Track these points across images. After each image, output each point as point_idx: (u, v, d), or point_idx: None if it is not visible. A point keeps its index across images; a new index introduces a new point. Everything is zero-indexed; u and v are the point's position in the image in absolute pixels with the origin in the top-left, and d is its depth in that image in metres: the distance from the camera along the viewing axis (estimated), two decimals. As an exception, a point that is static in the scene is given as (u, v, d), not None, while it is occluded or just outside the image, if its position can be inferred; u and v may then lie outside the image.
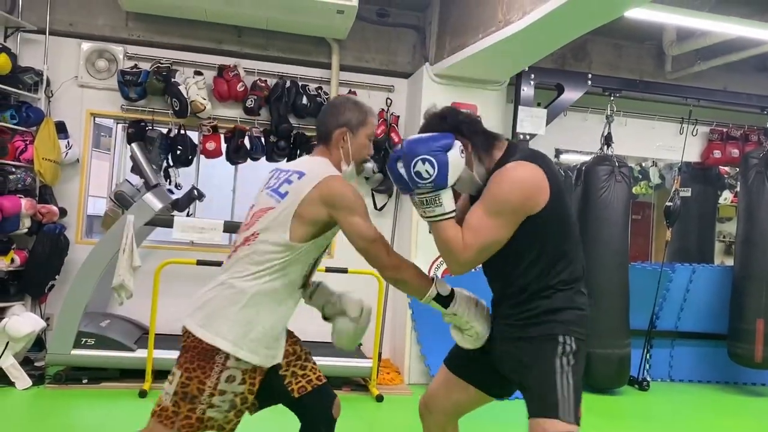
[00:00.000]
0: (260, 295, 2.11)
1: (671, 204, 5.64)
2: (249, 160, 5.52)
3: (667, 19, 4.81)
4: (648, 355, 5.71)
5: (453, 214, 2.07)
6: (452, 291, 2.20)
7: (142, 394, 4.38)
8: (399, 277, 2.18)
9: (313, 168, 2.20)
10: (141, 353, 4.59)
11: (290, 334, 2.35)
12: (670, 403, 5.38)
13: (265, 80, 5.50)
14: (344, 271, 4.80)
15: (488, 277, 2.31)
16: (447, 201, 2.05)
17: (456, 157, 2.02)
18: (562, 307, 2.11)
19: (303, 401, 2.27)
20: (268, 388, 2.21)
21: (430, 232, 2.19)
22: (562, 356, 2.07)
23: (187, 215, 5.19)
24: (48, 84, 5.20)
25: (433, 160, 1.99)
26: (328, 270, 4.74)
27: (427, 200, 2.06)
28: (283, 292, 2.16)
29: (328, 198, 2.12)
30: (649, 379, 5.64)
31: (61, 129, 5.13)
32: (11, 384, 4.36)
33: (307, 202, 2.12)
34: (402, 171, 2.05)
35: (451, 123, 2.14)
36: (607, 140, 5.64)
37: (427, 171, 2.00)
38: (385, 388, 4.94)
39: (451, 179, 2.03)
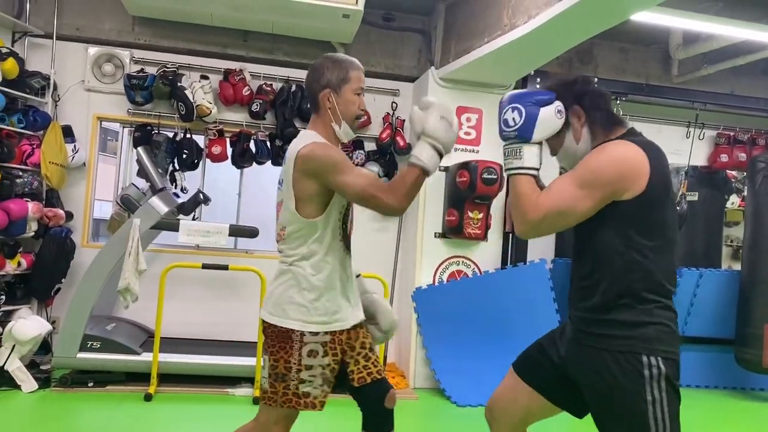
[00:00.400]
0: (309, 273, 2.21)
1: (678, 208, 5.61)
2: (254, 163, 5.53)
3: (673, 22, 4.80)
4: (655, 360, 5.67)
5: (533, 171, 1.96)
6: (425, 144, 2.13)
7: (148, 397, 4.38)
8: (406, 205, 2.16)
9: (291, 147, 2.24)
10: (146, 356, 4.59)
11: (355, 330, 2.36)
12: (677, 408, 5.33)
13: (271, 84, 5.52)
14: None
15: (572, 257, 2.12)
16: (528, 155, 1.95)
17: (549, 114, 1.94)
18: (643, 322, 1.84)
19: (361, 391, 2.32)
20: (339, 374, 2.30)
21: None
22: (651, 381, 1.79)
23: (193, 219, 5.20)
24: (55, 88, 5.23)
25: (523, 110, 1.94)
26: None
27: (509, 151, 1.99)
28: (328, 261, 2.23)
29: (307, 170, 2.15)
30: (655, 384, 5.59)
31: (68, 133, 5.16)
32: (17, 387, 4.37)
33: (296, 182, 2.17)
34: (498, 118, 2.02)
35: (577, 91, 2.05)
36: (614, 144, 5.61)
37: (513, 119, 1.96)
38: (390, 392, 4.92)
39: (538, 134, 1.95)
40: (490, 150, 5.41)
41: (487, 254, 5.45)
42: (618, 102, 5.70)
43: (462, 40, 5.03)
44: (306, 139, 2.23)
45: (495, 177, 5.02)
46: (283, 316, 2.21)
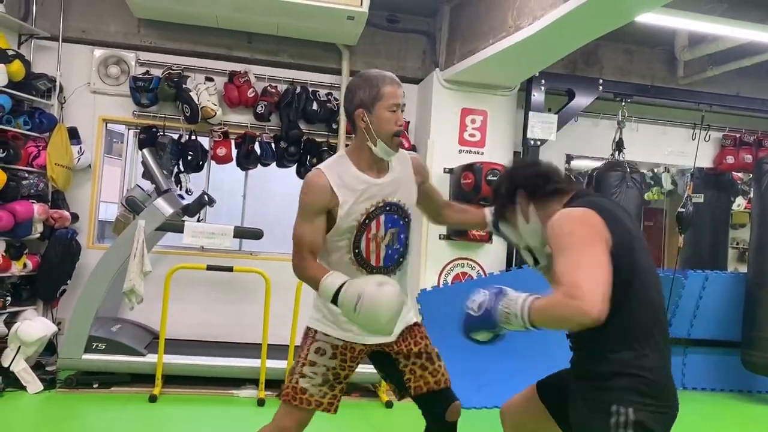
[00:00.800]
0: None
1: (684, 210, 5.58)
2: (259, 165, 5.54)
3: (678, 23, 4.79)
4: (660, 362, 5.64)
5: (534, 295, 1.81)
6: (339, 287, 2.08)
7: (152, 398, 4.38)
8: (300, 276, 2.23)
9: None
10: (151, 358, 4.60)
11: (416, 333, 2.40)
12: (683, 411, 5.22)
13: (276, 86, 5.53)
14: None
15: None
16: (517, 309, 1.82)
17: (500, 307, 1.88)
18: (617, 372, 1.85)
19: (420, 400, 2.37)
20: (396, 380, 2.39)
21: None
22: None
23: (198, 220, 5.21)
24: (61, 90, 5.25)
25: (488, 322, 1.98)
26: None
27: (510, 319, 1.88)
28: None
29: None
30: (661, 386, 5.57)
31: (74, 135, 5.18)
32: (23, 388, 4.38)
33: None
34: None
35: (519, 178, 2.10)
36: (619, 146, 5.61)
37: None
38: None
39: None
40: (495, 152, 5.41)
41: (492, 256, 5.44)
42: (623, 104, 5.68)
43: (467, 42, 5.02)
44: (323, 162, 2.29)
45: (498, 180, 5.01)
46: (309, 316, 2.36)
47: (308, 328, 2.32)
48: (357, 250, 2.25)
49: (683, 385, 5.92)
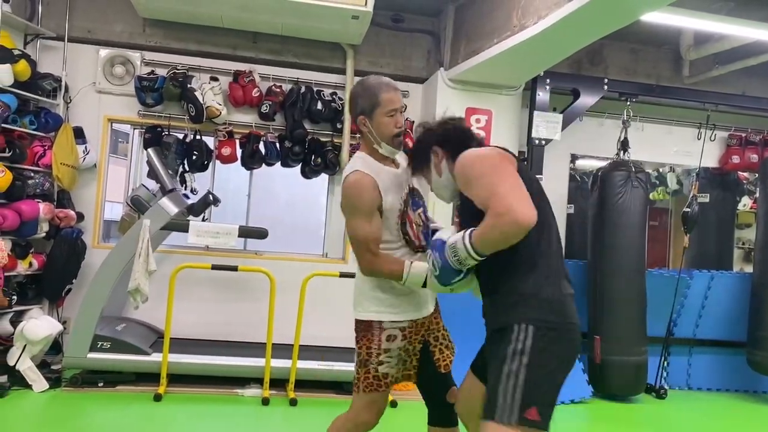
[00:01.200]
0: None
1: (689, 210, 5.57)
2: (264, 165, 5.54)
3: (684, 22, 4.77)
4: (665, 362, 5.64)
5: (470, 229, 2.03)
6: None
7: (157, 397, 4.39)
8: (377, 273, 2.40)
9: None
10: (156, 357, 4.61)
11: (437, 320, 2.61)
12: (688, 411, 5.30)
13: (280, 86, 5.53)
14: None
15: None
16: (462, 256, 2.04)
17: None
18: (524, 294, 2.05)
19: (446, 377, 2.55)
20: (422, 359, 2.52)
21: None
22: (514, 354, 1.98)
23: (203, 220, 5.22)
24: (66, 90, 5.26)
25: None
26: (342, 275, 4.72)
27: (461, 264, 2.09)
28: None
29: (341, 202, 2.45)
30: (666, 387, 5.56)
31: (79, 134, 5.19)
32: (28, 387, 4.39)
33: None
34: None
35: (435, 135, 2.34)
36: (624, 145, 5.60)
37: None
38: (400, 393, 4.91)
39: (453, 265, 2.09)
40: (500, 151, 5.40)
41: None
42: (628, 103, 5.67)
43: (471, 41, 5.02)
44: (352, 165, 2.43)
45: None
46: (363, 309, 2.48)
47: (371, 322, 2.44)
48: (407, 236, 2.47)
49: (688, 385, 5.91)
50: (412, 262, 2.35)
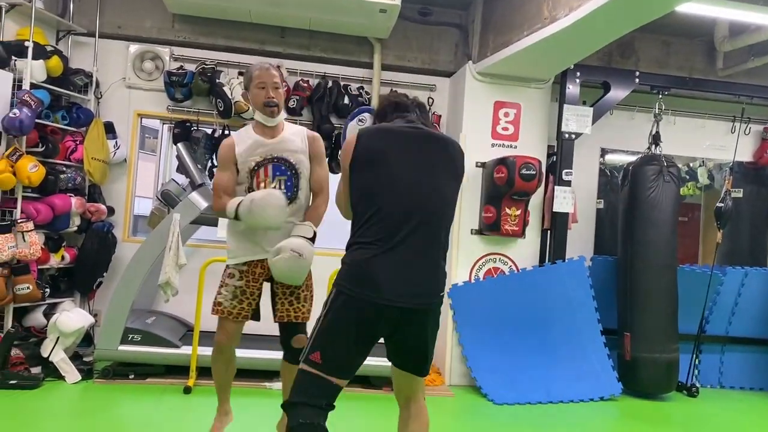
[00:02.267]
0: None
1: (722, 205, 5.46)
2: (291, 159, 5.54)
3: (721, 13, 4.66)
4: (697, 360, 5.54)
5: None
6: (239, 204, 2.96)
7: (187, 390, 4.43)
8: (217, 211, 3.12)
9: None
10: (186, 350, 4.65)
11: (303, 288, 3.17)
12: (720, 410, 5.20)
13: (308, 80, 5.53)
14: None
15: None
16: None
17: (352, 124, 2.72)
18: (342, 259, 2.39)
19: (289, 326, 3.19)
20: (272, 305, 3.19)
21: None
22: (322, 309, 2.36)
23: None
24: (97, 85, 5.32)
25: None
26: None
27: None
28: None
29: None
30: (698, 385, 5.47)
31: (110, 129, 5.25)
32: (62, 378, 4.47)
33: None
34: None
35: (375, 113, 2.73)
36: (656, 139, 5.50)
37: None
38: (426, 389, 4.87)
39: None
40: (529, 145, 5.35)
41: (524, 251, 5.38)
42: (660, 96, 5.57)
43: (500, 34, 4.96)
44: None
45: (534, 173, 4.95)
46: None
47: (226, 266, 3.15)
48: (251, 188, 3.04)
49: (720, 383, 5.81)
50: (235, 199, 2.96)
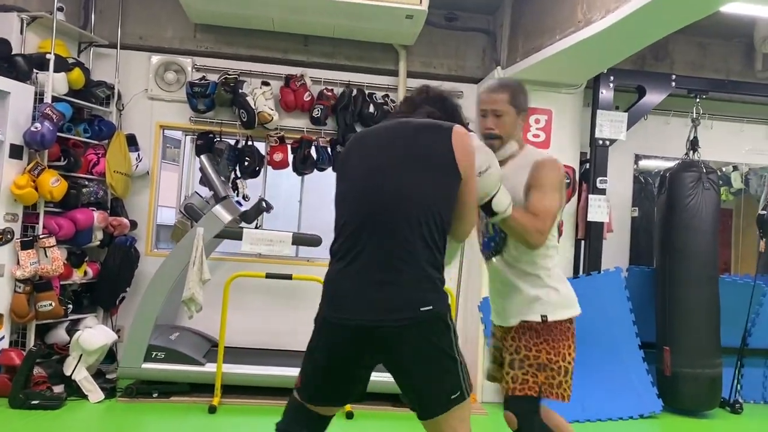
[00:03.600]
0: None
1: (765, 212, 5.24)
2: (315, 170, 5.43)
3: (762, 12, 4.46)
4: (740, 374, 5.31)
5: None
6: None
7: (212, 409, 4.31)
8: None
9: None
10: (210, 367, 4.53)
11: (512, 339, 2.59)
12: (765, 427, 4.98)
13: (332, 89, 5.41)
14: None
15: None
16: None
17: None
18: None
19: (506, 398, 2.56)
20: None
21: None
22: None
23: (256, 227, 5.12)
24: (119, 97, 5.25)
25: None
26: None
27: None
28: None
29: None
30: (741, 401, 5.23)
31: (132, 142, 5.18)
32: (84, 397, 4.37)
33: None
34: None
35: None
36: (693, 144, 5.29)
37: None
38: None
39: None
40: (561, 153, 5.11)
41: (558, 262, 5.18)
42: (698, 100, 5.36)
43: (530, 39, 4.80)
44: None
45: (567, 181, 4.78)
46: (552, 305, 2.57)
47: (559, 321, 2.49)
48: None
49: (764, 399, 5.56)
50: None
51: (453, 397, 2.00)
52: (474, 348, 5.17)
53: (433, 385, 2.00)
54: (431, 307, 1.96)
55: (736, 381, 5.25)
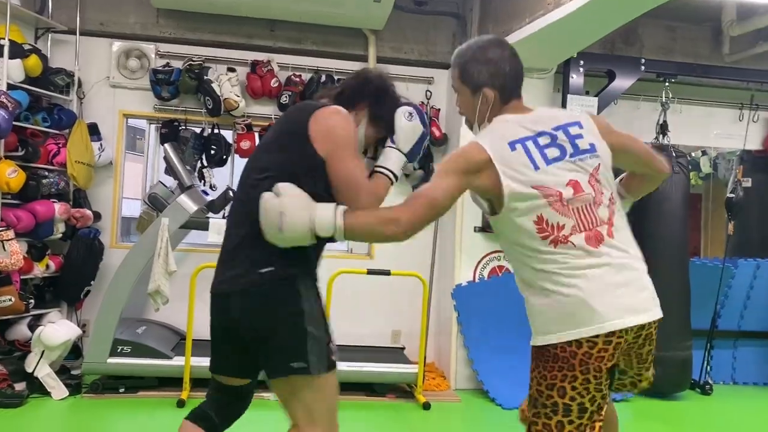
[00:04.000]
0: None
1: (733, 196, 5.28)
2: (284, 158, 5.32)
3: (729, -5, 4.46)
4: (710, 356, 5.36)
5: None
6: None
7: (180, 403, 4.22)
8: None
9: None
10: (179, 361, 4.44)
11: None
12: (735, 407, 5.05)
13: (300, 75, 5.31)
14: (387, 273, 4.58)
15: None
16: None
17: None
18: None
19: None
20: None
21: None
22: None
23: (223, 217, 5.01)
24: (80, 85, 5.09)
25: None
26: (371, 272, 4.52)
27: None
28: None
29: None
30: (711, 382, 5.29)
31: (94, 131, 5.02)
32: (48, 394, 4.24)
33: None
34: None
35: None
36: (663, 128, 5.31)
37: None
38: (432, 394, 4.71)
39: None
40: (532, 138, 5.14)
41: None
42: (667, 84, 5.37)
43: (500, 23, 4.76)
44: None
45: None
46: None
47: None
48: None
49: (734, 379, 5.64)
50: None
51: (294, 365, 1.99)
52: (448, 336, 5.15)
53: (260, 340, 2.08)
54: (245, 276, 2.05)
55: (706, 363, 5.31)
